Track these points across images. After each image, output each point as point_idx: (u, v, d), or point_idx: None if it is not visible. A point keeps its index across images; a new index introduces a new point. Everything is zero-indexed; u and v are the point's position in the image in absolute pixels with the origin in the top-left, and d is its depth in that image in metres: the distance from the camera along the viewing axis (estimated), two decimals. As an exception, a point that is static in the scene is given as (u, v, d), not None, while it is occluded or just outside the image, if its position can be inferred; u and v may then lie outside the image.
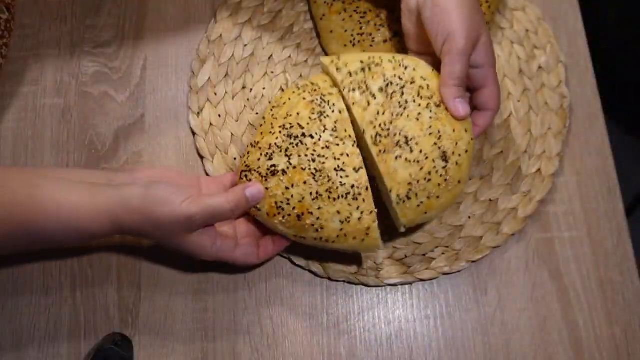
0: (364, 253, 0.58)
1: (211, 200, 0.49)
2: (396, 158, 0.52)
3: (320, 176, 0.51)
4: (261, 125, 0.56)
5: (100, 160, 0.61)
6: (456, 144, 0.52)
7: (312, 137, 0.52)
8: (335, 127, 0.53)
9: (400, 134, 0.52)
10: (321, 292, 0.58)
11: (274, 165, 0.52)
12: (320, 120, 0.53)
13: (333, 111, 0.53)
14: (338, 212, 0.51)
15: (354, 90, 0.53)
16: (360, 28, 0.64)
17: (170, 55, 0.66)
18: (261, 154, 0.53)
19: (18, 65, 0.64)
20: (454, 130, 0.52)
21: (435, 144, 0.52)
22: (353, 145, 0.52)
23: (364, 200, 0.51)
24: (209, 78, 0.64)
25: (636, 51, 1.11)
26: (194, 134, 0.62)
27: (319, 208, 0.51)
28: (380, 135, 0.52)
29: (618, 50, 1.13)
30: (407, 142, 0.52)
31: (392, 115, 0.52)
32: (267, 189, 0.52)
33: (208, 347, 0.56)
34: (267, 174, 0.52)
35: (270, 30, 0.66)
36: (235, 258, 0.53)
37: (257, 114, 0.63)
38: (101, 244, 0.58)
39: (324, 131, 0.53)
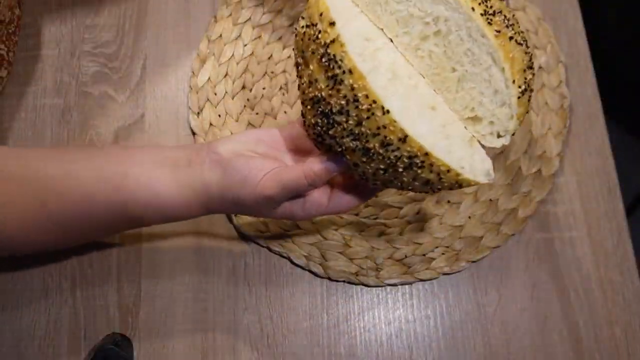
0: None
1: (288, 177, 0.47)
2: (510, 39, 0.43)
3: (373, 154, 0.43)
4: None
5: (100, 160, 0.61)
6: (520, 29, 0.46)
7: (340, 113, 0.43)
8: (355, 96, 0.42)
9: (501, 12, 0.44)
10: (321, 292, 0.58)
11: (329, 146, 0.46)
12: (338, 90, 0.43)
13: (344, 72, 0.42)
14: (413, 179, 0.44)
15: None
16: (361, 28, 0.63)
17: (170, 55, 0.66)
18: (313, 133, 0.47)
19: (18, 65, 0.64)
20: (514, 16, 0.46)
21: (518, 24, 0.45)
22: (384, 114, 0.41)
23: (431, 164, 0.43)
24: (209, 78, 0.64)
25: (636, 51, 1.11)
26: (194, 134, 0.62)
27: (395, 178, 0.45)
28: (488, 13, 0.43)
29: (618, 50, 1.13)
30: (509, 22, 0.44)
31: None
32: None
33: (208, 347, 0.56)
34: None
35: (270, 30, 0.66)
36: (332, 211, 0.50)
37: (257, 114, 0.63)
38: (101, 244, 0.58)
39: (347, 103, 0.42)
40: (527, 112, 0.46)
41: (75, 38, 0.66)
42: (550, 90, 0.65)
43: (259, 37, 0.66)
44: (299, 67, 0.46)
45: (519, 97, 0.44)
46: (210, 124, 0.62)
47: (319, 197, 0.49)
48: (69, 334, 0.56)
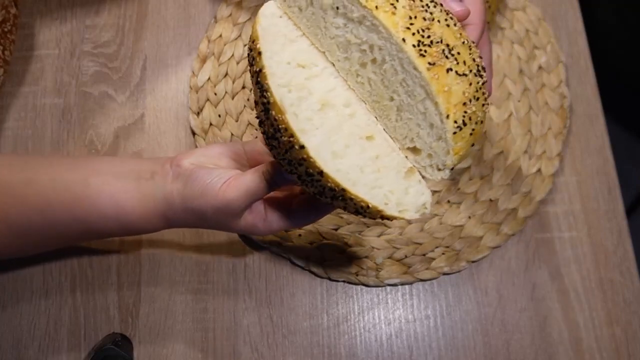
0: None
1: (247, 180, 0.47)
2: (448, 71, 0.41)
3: (304, 180, 0.43)
4: None
5: (100, 160, 0.61)
6: (480, 57, 0.44)
7: (273, 138, 0.43)
8: (278, 127, 0.41)
9: (442, 42, 0.41)
10: (321, 292, 0.58)
11: None
12: (267, 118, 0.42)
13: (269, 102, 0.41)
14: (345, 207, 0.43)
15: None
16: (360, 28, 0.63)
17: (170, 55, 0.66)
18: None
19: (18, 65, 0.64)
20: (473, 43, 0.44)
21: (470, 55, 0.42)
22: (300, 148, 0.40)
23: (351, 199, 0.42)
24: (209, 78, 0.64)
25: (636, 51, 1.11)
26: (194, 134, 0.62)
27: (330, 203, 0.44)
28: (423, 44, 0.41)
29: (618, 50, 1.13)
30: (450, 52, 0.41)
31: (425, 20, 0.41)
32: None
33: (208, 347, 0.56)
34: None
35: (270, 30, 0.66)
36: (292, 226, 0.50)
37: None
38: (101, 245, 0.58)
39: (275, 131, 0.42)
40: (472, 145, 0.43)
41: (75, 38, 0.66)
42: (550, 90, 0.65)
43: (259, 37, 0.66)
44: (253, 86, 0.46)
45: (455, 133, 0.41)
46: (210, 124, 0.62)
47: (280, 210, 0.49)
48: (69, 334, 0.56)
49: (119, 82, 0.64)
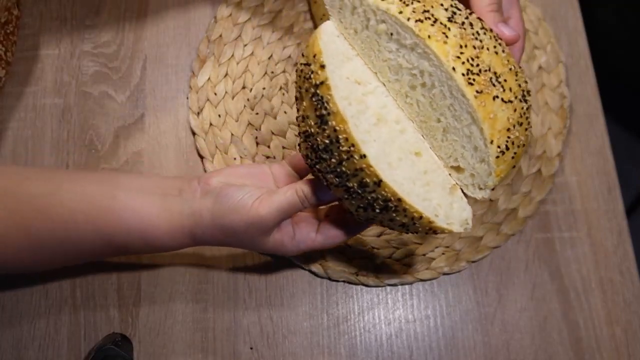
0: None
1: (280, 198, 0.47)
2: (494, 99, 0.43)
3: (353, 192, 0.44)
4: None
5: (100, 160, 0.61)
6: (525, 81, 0.45)
7: (325, 150, 0.44)
8: (337, 137, 0.43)
9: (490, 70, 0.43)
10: (321, 292, 0.58)
11: (318, 178, 0.47)
12: (323, 129, 0.44)
13: (329, 113, 0.43)
14: (390, 220, 0.45)
15: (421, 21, 0.43)
16: (360, 28, 0.63)
17: (170, 55, 0.66)
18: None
19: (18, 65, 0.64)
20: (520, 67, 0.46)
21: (517, 81, 0.44)
22: (361, 157, 0.42)
23: (404, 209, 0.43)
24: (209, 78, 0.64)
25: (636, 51, 1.11)
26: (194, 134, 0.62)
27: (374, 217, 0.46)
28: (472, 73, 0.43)
29: (618, 50, 1.13)
30: (497, 80, 0.43)
31: (475, 48, 0.43)
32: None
33: (208, 347, 0.56)
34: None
35: (270, 30, 0.66)
36: (320, 246, 0.51)
37: (257, 114, 0.63)
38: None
39: (330, 143, 0.43)
40: (514, 167, 0.46)
41: (75, 38, 0.66)
42: (550, 90, 0.65)
43: (259, 37, 0.66)
44: (297, 100, 0.47)
45: (497, 157, 0.44)
46: (210, 124, 0.62)
47: (308, 230, 0.50)
48: (69, 334, 0.56)
49: (119, 82, 0.64)
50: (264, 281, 0.58)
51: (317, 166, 0.45)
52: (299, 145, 0.48)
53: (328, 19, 0.66)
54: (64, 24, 0.66)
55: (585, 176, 0.63)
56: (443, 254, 0.59)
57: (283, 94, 0.64)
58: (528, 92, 0.46)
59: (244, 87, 0.64)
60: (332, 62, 0.44)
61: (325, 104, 0.43)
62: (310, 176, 0.49)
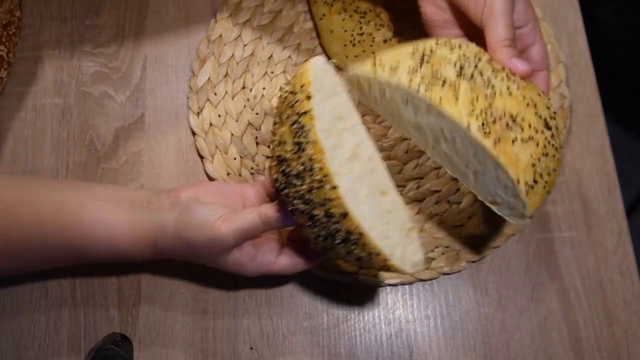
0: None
1: (242, 219, 0.48)
2: (513, 142, 0.44)
3: (317, 221, 0.45)
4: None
5: (100, 160, 0.61)
6: (547, 107, 0.47)
7: (297, 177, 0.45)
8: (312, 166, 0.44)
9: (505, 115, 0.45)
10: (321, 292, 0.58)
11: (284, 203, 0.48)
12: (299, 156, 0.45)
13: (308, 142, 0.44)
14: (347, 253, 0.46)
15: (431, 86, 0.45)
16: (360, 28, 0.64)
17: (170, 55, 0.66)
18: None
19: (18, 65, 0.64)
20: (539, 95, 0.47)
21: (536, 113, 0.46)
22: (332, 188, 0.43)
23: (364, 244, 0.45)
24: (209, 78, 0.64)
25: (636, 51, 1.11)
26: (194, 134, 0.62)
27: (332, 247, 0.47)
28: (487, 124, 0.44)
29: (618, 50, 1.13)
30: (514, 121, 0.45)
31: (487, 97, 0.45)
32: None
33: (208, 347, 0.56)
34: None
35: (270, 30, 0.66)
36: (279, 271, 0.52)
37: (257, 114, 0.63)
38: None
39: (304, 170, 0.45)
40: (549, 193, 0.47)
41: (75, 38, 0.66)
42: (550, 91, 0.65)
43: (259, 37, 0.66)
44: (275, 125, 0.49)
45: (527, 192, 0.45)
46: (210, 124, 0.62)
47: (268, 254, 0.51)
48: (69, 334, 0.56)
49: (119, 82, 0.64)
50: (264, 281, 0.58)
51: (286, 191, 0.46)
52: (269, 168, 0.49)
53: (328, 19, 0.66)
54: (64, 24, 0.66)
55: (585, 176, 0.63)
56: (443, 254, 0.59)
57: (283, 94, 0.64)
58: (552, 117, 0.47)
59: (244, 87, 0.64)
60: (318, 94, 0.46)
61: (306, 132, 0.44)
62: (274, 203, 0.50)
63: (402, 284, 0.58)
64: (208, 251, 0.49)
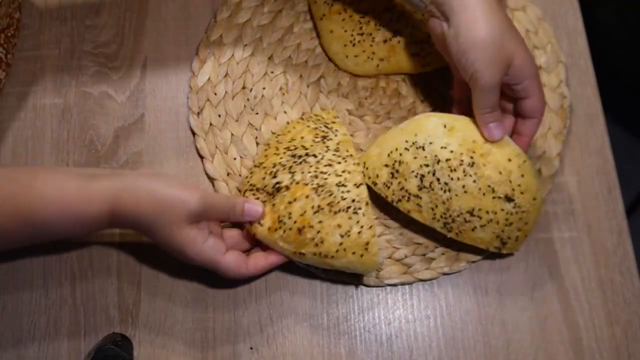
0: (363, 273, 0.57)
1: (214, 194, 0.53)
2: (473, 230, 0.54)
3: (322, 191, 0.53)
4: (265, 150, 0.59)
5: (100, 160, 0.61)
6: (510, 181, 0.53)
7: (315, 156, 0.55)
8: (337, 147, 0.56)
9: (462, 212, 0.54)
10: (321, 292, 0.58)
11: (278, 182, 0.54)
12: (324, 142, 0.56)
13: (336, 135, 0.57)
14: (339, 226, 0.52)
15: (399, 200, 0.56)
16: (360, 28, 0.64)
17: (170, 55, 0.66)
18: (265, 173, 0.55)
19: (18, 65, 0.64)
20: (500, 173, 0.53)
21: (494, 197, 0.53)
22: (354, 164, 0.54)
23: (364, 215, 0.52)
24: (209, 78, 0.64)
25: (636, 51, 1.11)
26: (194, 134, 0.62)
27: (319, 222, 0.52)
28: (448, 224, 0.55)
29: (618, 50, 1.13)
30: (472, 215, 0.54)
31: (444, 202, 0.54)
32: (273, 205, 0.54)
33: (208, 347, 0.56)
34: (272, 191, 0.54)
35: (270, 30, 0.66)
36: (225, 262, 0.52)
37: (257, 114, 0.63)
38: (101, 244, 0.58)
39: (326, 151, 0.55)
40: (527, 235, 0.57)
41: (75, 38, 0.66)
42: (550, 90, 0.65)
43: (259, 37, 0.66)
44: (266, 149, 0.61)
45: (502, 250, 0.56)
46: (210, 124, 0.62)
47: (221, 242, 0.53)
48: (69, 334, 0.56)
49: (119, 82, 0.64)
50: (264, 281, 0.58)
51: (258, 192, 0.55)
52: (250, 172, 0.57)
53: (328, 19, 0.66)
54: (64, 24, 0.66)
55: (585, 176, 0.63)
56: (443, 254, 0.59)
57: (283, 94, 0.64)
58: (518, 184, 0.53)
59: (244, 87, 0.64)
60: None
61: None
62: (251, 196, 0.55)
63: (402, 284, 0.58)
64: (174, 212, 0.49)
